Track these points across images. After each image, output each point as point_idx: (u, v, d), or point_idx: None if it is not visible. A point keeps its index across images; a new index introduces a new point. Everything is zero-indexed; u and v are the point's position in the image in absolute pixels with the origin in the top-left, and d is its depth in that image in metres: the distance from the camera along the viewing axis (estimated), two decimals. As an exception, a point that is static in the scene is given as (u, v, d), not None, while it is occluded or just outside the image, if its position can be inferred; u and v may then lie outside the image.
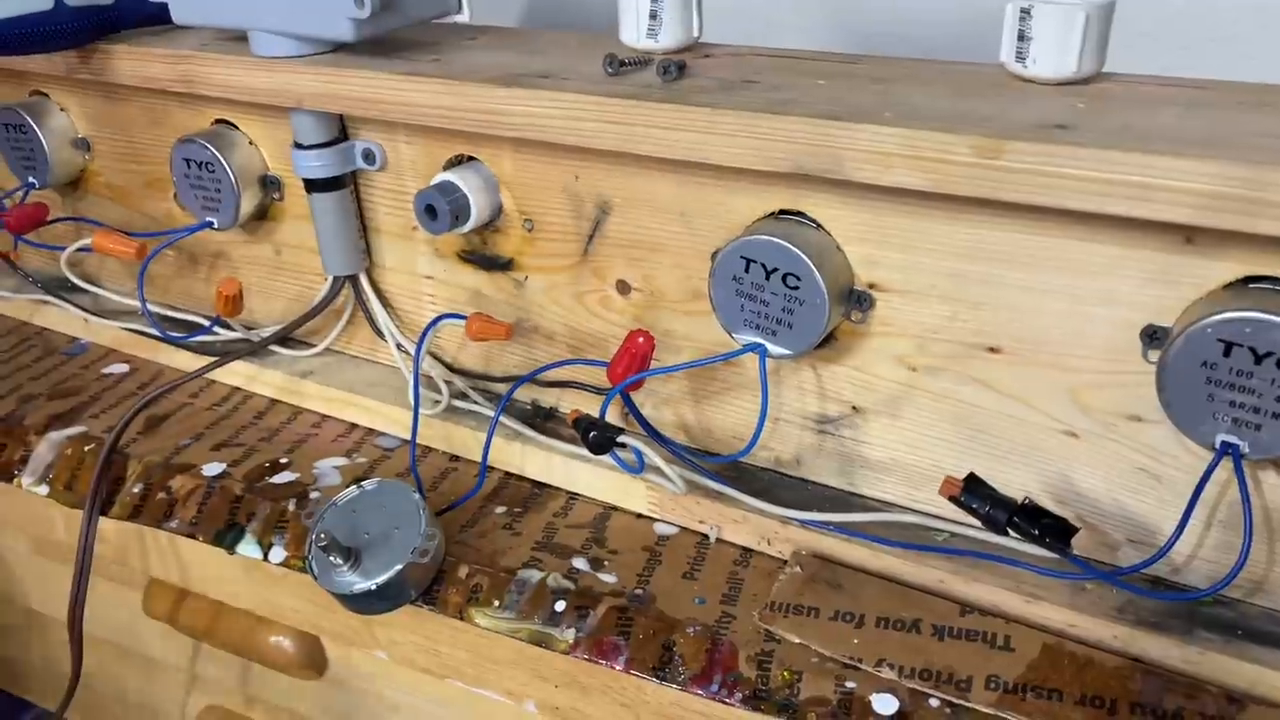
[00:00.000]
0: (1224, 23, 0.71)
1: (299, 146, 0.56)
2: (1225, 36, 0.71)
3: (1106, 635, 0.43)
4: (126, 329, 0.69)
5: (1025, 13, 0.42)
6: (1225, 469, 0.39)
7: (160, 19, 0.58)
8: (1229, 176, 0.34)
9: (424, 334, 0.55)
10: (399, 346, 0.61)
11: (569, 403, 0.58)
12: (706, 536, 0.52)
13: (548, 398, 0.58)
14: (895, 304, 0.45)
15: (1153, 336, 0.40)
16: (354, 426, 0.62)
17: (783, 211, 0.46)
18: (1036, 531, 0.41)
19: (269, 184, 0.61)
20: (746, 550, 0.51)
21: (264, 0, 0.52)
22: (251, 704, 0.67)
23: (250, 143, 0.60)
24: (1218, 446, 0.38)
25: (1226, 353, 0.37)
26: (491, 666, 0.51)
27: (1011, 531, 0.42)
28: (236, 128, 0.60)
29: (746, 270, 0.45)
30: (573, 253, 0.53)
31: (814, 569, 0.48)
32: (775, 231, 0.44)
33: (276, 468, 0.58)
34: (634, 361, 0.48)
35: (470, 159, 0.53)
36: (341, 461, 0.59)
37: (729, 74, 0.48)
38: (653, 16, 0.50)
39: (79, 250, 0.66)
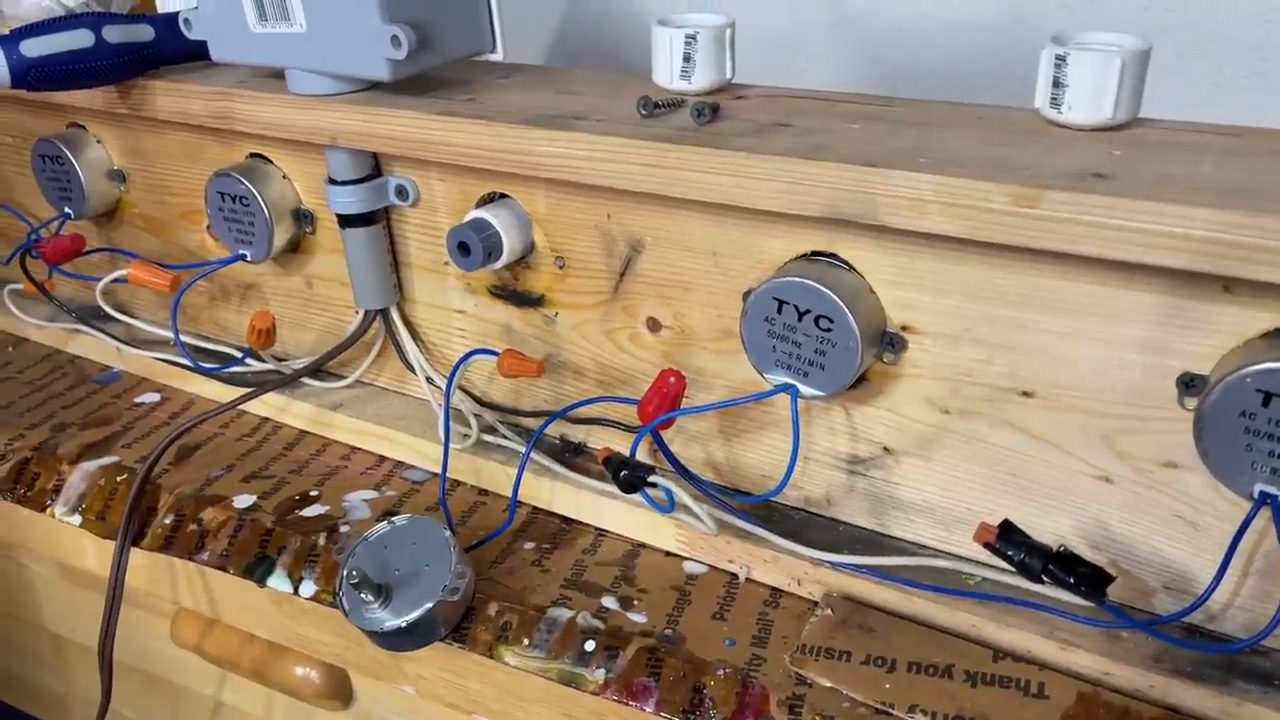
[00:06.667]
0: (1251, 60, 0.71)
1: (333, 182, 0.56)
2: (1252, 73, 0.71)
3: (1143, 684, 0.43)
4: (159, 359, 0.70)
5: (1061, 59, 0.42)
6: (1263, 518, 0.39)
7: (198, 56, 0.59)
8: (1271, 229, 0.34)
9: (455, 369, 0.56)
10: (429, 380, 0.61)
11: (597, 438, 0.58)
12: (735, 576, 0.52)
13: (576, 433, 0.59)
14: (928, 346, 0.45)
15: (1189, 384, 0.40)
16: (383, 459, 0.62)
17: (815, 253, 0.46)
18: (1072, 580, 0.41)
19: (302, 217, 0.62)
20: (776, 591, 0.51)
21: (302, 40, 0.53)
22: (276, 734, 0.67)
23: (284, 176, 0.61)
24: (1256, 496, 0.38)
25: (1265, 403, 0.36)
26: (519, 704, 0.51)
27: (1047, 579, 0.42)
28: (270, 161, 0.61)
29: (779, 311, 0.45)
30: (604, 290, 0.53)
31: (845, 612, 0.48)
32: (808, 273, 0.44)
33: (306, 500, 0.58)
34: (665, 401, 0.48)
35: (503, 196, 0.54)
36: (371, 495, 0.59)
37: (762, 116, 0.48)
38: (686, 59, 0.50)
39: (114, 281, 0.67)
